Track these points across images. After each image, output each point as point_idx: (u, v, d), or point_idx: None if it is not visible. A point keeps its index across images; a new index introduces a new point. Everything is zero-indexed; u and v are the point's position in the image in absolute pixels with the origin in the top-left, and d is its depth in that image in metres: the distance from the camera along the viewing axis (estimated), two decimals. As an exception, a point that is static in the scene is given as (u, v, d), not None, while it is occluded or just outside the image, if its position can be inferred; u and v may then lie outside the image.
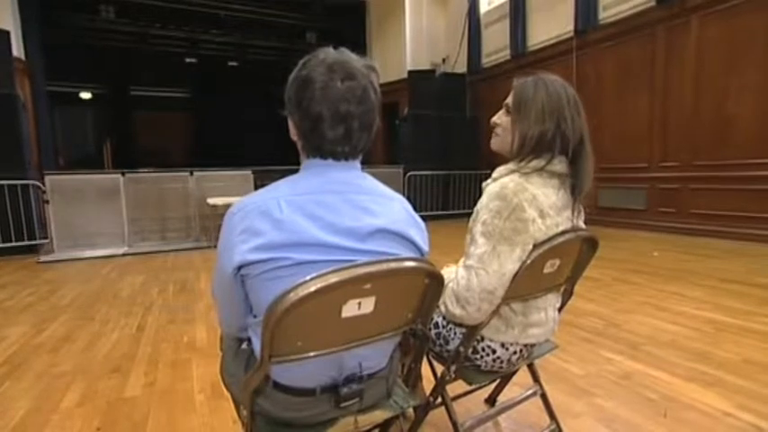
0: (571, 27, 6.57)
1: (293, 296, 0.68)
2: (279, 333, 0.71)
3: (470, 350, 1.15)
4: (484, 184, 1.11)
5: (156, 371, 2.06)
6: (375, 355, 0.90)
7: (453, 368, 1.16)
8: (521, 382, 1.62)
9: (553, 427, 1.39)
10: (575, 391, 1.75)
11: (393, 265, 0.77)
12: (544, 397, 1.42)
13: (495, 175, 1.10)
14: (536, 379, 1.44)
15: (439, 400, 1.23)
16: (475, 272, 1.01)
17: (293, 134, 0.87)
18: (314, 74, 0.79)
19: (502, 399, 1.68)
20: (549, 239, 1.03)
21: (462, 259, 1.10)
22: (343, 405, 0.89)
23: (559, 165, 1.07)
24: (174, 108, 10.21)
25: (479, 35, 8.94)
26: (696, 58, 5.16)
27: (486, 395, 1.69)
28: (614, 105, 6.02)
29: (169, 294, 3.43)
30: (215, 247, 4.62)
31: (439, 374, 1.20)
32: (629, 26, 5.83)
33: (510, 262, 0.99)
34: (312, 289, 0.69)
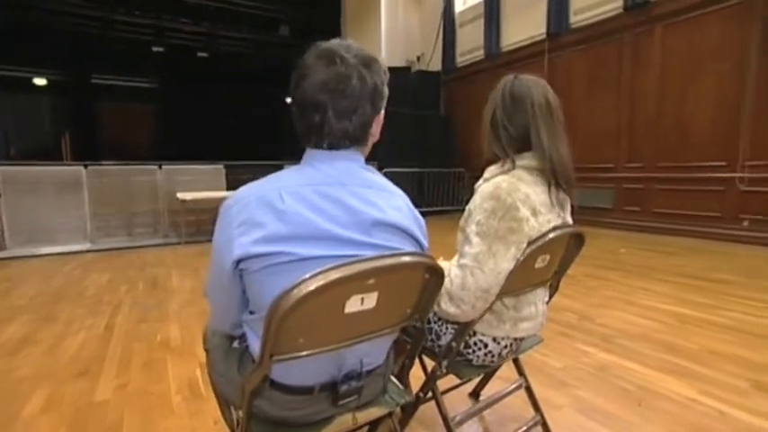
0: (544, 30, 6.74)
1: (298, 292, 0.66)
2: (282, 330, 0.69)
3: (462, 345, 1.16)
4: (476, 184, 1.12)
5: (129, 372, 1.97)
6: (375, 352, 0.89)
7: (445, 363, 1.17)
8: (503, 375, 1.65)
9: (538, 418, 1.43)
10: (554, 384, 1.80)
11: (398, 259, 0.76)
12: (529, 390, 1.46)
13: (486, 175, 1.11)
14: (521, 372, 1.47)
15: (429, 395, 1.24)
16: (470, 271, 1.02)
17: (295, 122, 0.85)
18: (304, 61, 0.78)
19: (485, 393, 1.71)
20: (542, 236, 1.05)
21: (455, 258, 1.10)
22: (341, 403, 0.87)
23: (528, 159, 1.09)
24: (141, 99, 9.76)
25: (454, 34, 9.03)
26: (660, 64, 5.40)
27: (470, 390, 1.71)
28: (584, 107, 6.22)
29: (139, 292, 3.29)
30: (186, 243, 4.48)
31: (429, 370, 1.21)
32: (598, 31, 6.04)
33: (505, 261, 1.01)
34: (318, 284, 0.67)
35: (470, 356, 1.18)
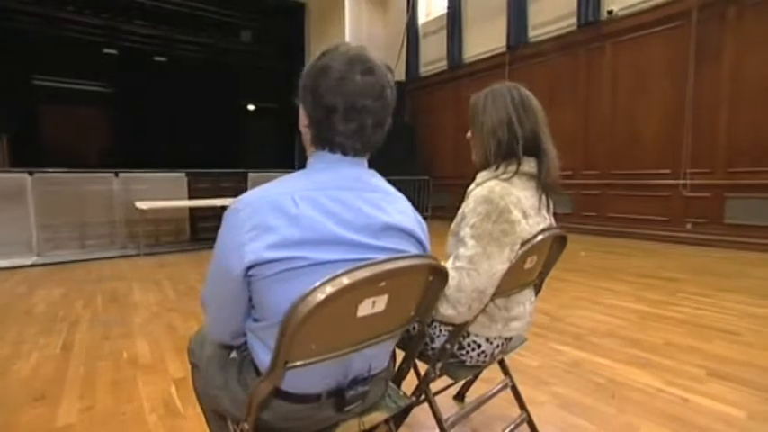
0: (504, 43, 7.04)
1: (317, 296, 0.66)
2: (297, 336, 0.68)
3: (456, 346, 1.19)
4: (469, 189, 1.16)
5: (95, 393, 1.85)
6: (381, 355, 0.90)
7: (439, 365, 1.18)
8: (483, 376, 1.68)
9: (524, 416, 1.47)
10: (533, 382, 1.86)
11: (411, 261, 0.77)
12: (514, 389, 1.50)
13: (479, 180, 1.15)
14: (506, 372, 1.51)
15: (422, 397, 1.25)
16: (466, 273, 1.05)
17: (303, 124, 0.85)
18: (333, 63, 0.77)
19: (469, 394, 1.75)
20: (532, 238, 1.10)
21: (449, 261, 1.13)
22: (346, 409, 0.87)
23: (528, 165, 1.14)
24: (91, 102, 9.17)
25: (418, 45, 9.24)
26: (611, 78, 5.79)
27: (454, 392, 1.74)
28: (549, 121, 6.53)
29: (98, 307, 3.09)
30: (145, 254, 4.27)
31: (423, 373, 1.22)
32: (555, 46, 6.39)
33: (499, 262, 1.04)
34: (337, 288, 0.67)
35: (464, 357, 1.21)
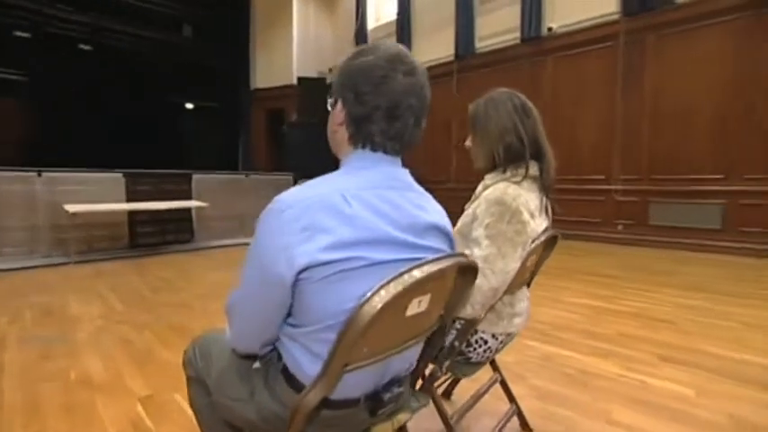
0: (453, 51, 7.31)
1: (382, 299, 0.65)
2: (360, 341, 0.66)
3: (464, 344, 1.21)
4: (477, 190, 1.19)
5: (43, 420, 1.63)
6: (415, 355, 0.89)
7: (446, 363, 1.20)
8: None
9: (514, 408, 1.53)
10: (511, 377, 1.93)
11: (454, 260, 0.78)
12: (504, 383, 1.56)
13: (487, 182, 1.19)
14: (495, 368, 1.57)
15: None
16: (482, 272, 1.07)
17: (337, 122, 0.82)
18: (376, 62, 0.76)
19: (457, 391, 1.79)
20: (537, 237, 1.15)
21: None
22: (380, 412, 0.85)
23: (533, 168, 1.21)
24: (4, 92, 8.11)
25: (367, 50, 9.30)
26: (552, 90, 6.23)
27: (440, 390, 1.77)
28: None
29: (27, 323, 2.73)
30: (77, 263, 3.87)
31: (428, 372, 1.23)
32: (500, 57, 6.76)
33: (513, 261, 1.09)
34: (400, 289, 0.67)
35: (471, 354, 1.23)
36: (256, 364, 0.88)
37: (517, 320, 1.26)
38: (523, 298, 1.29)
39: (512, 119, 1.17)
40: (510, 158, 1.17)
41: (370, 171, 0.78)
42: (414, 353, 0.87)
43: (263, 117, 9.93)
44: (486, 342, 1.23)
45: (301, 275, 0.68)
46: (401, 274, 0.68)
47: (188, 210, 5.75)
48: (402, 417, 0.96)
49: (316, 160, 7.98)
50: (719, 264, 4.38)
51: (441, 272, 0.74)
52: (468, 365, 1.26)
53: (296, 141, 8.29)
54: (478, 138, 1.23)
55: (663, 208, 5.27)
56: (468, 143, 1.27)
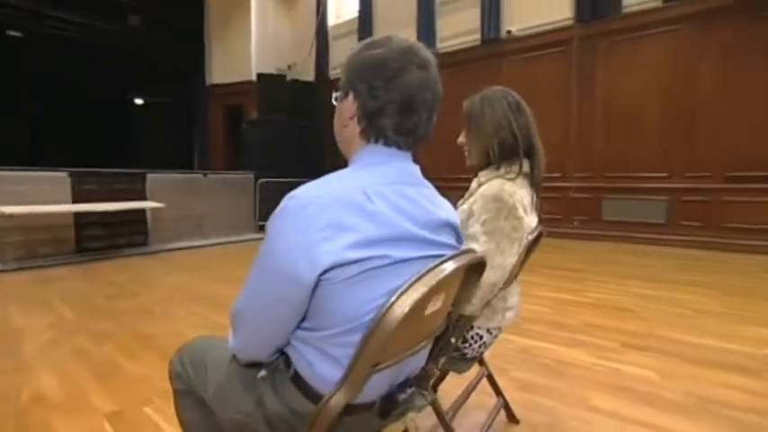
0: (415, 52, 7.37)
1: (411, 298, 0.63)
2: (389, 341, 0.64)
3: (461, 340, 1.21)
4: (472, 187, 1.20)
5: (-6, 444, 1.47)
6: (426, 354, 0.88)
7: (443, 360, 1.20)
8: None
9: (501, 401, 1.56)
10: (494, 370, 1.96)
11: (471, 258, 0.77)
12: (491, 377, 1.59)
13: (482, 179, 1.20)
14: (482, 362, 1.59)
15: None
16: None
17: (347, 116, 0.78)
18: (390, 54, 0.74)
19: (443, 386, 1.79)
20: (530, 233, 1.18)
21: None
22: (394, 413, 0.83)
23: (525, 165, 1.23)
24: None
25: (327, 46, 9.18)
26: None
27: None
28: (453, 124, 7.00)
29: (-38, 339, 2.46)
30: (15, 270, 3.55)
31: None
32: (460, 58, 6.89)
33: (510, 256, 1.10)
34: (428, 287, 0.65)
35: (467, 350, 1.24)
36: (262, 373, 0.83)
37: (509, 314, 1.28)
38: (514, 292, 1.32)
39: (506, 116, 1.18)
40: (504, 155, 1.19)
41: (385, 167, 0.75)
42: (426, 352, 0.86)
43: (221, 114, 9.52)
44: (481, 337, 1.24)
45: (324, 276, 0.65)
46: (428, 272, 0.66)
47: (142, 211, 5.41)
48: (411, 415, 0.95)
49: (276, 159, 7.86)
50: (666, 255, 4.71)
51: (461, 269, 0.73)
52: (463, 361, 1.26)
53: (256, 140, 8.04)
54: (473, 134, 1.24)
55: (614, 204, 5.61)
56: (461, 139, 1.28)
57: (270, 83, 8.28)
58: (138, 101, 10.83)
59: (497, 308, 1.23)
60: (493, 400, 1.60)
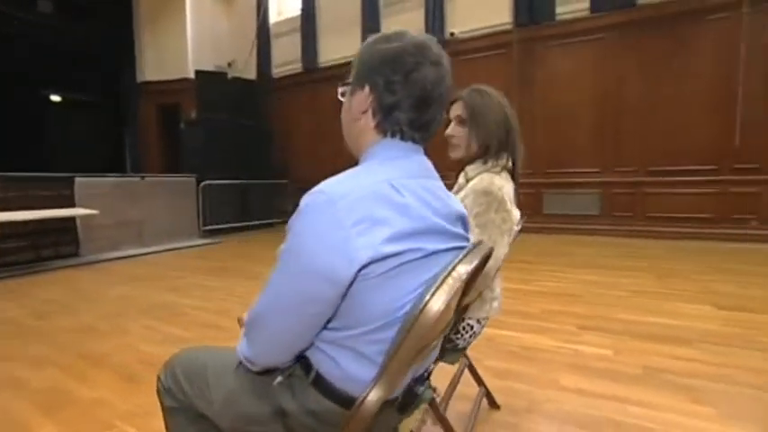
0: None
1: (445, 292, 0.65)
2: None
3: (453, 331, 1.25)
4: (460, 180, 1.23)
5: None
6: (439, 346, 0.89)
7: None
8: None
9: (483, 390, 1.62)
10: (467, 360, 2.06)
11: (486, 250, 0.80)
12: (471, 367, 1.64)
13: (471, 174, 1.23)
14: (464, 354, 1.64)
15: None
16: None
17: (360, 109, 0.78)
18: (406, 48, 0.74)
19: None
20: (516, 224, 1.23)
21: None
22: (413, 407, 0.84)
23: (509, 161, 1.29)
24: None
25: (269, 44, 8.92)
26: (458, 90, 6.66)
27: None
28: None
29: None
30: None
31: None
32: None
33: (502, 247, 1.15)
34: (459, 283, 0.67)
35: (458, 341, 1.27)
36: (279, 379, 0.79)
37: (496, 304, 1.34)
38: (498, 282, 1.37)
39: (503, 111, 1.23)
40: (499, 149, 1.22)
41: (405, 161, 0.76)
42: (439, 344, 0.87)
43: (154, 113, 8.87)
44: (471, 327, 1.28)
45: (361, 272, 0.63)
46: (457, 264, 0.68)
47: (71, 219, 4.91)
48: (422, 408, 0.96)
49: (218, 160, 7.49)
50: (603, 244, 5.15)
51: (480, 262, 0.75)
52: (454, 352, 1.30)
53: (196, 140, 7.60)
54: (475, 127, 1.24)
55: (554, 198, 6.02)
56: (449, 131, 1.29)
57: (209, 80, 7.86)
58: (56, 97, 9.80)
59: (486, 298, 1.28)
60: (471, 389, 1.66)
